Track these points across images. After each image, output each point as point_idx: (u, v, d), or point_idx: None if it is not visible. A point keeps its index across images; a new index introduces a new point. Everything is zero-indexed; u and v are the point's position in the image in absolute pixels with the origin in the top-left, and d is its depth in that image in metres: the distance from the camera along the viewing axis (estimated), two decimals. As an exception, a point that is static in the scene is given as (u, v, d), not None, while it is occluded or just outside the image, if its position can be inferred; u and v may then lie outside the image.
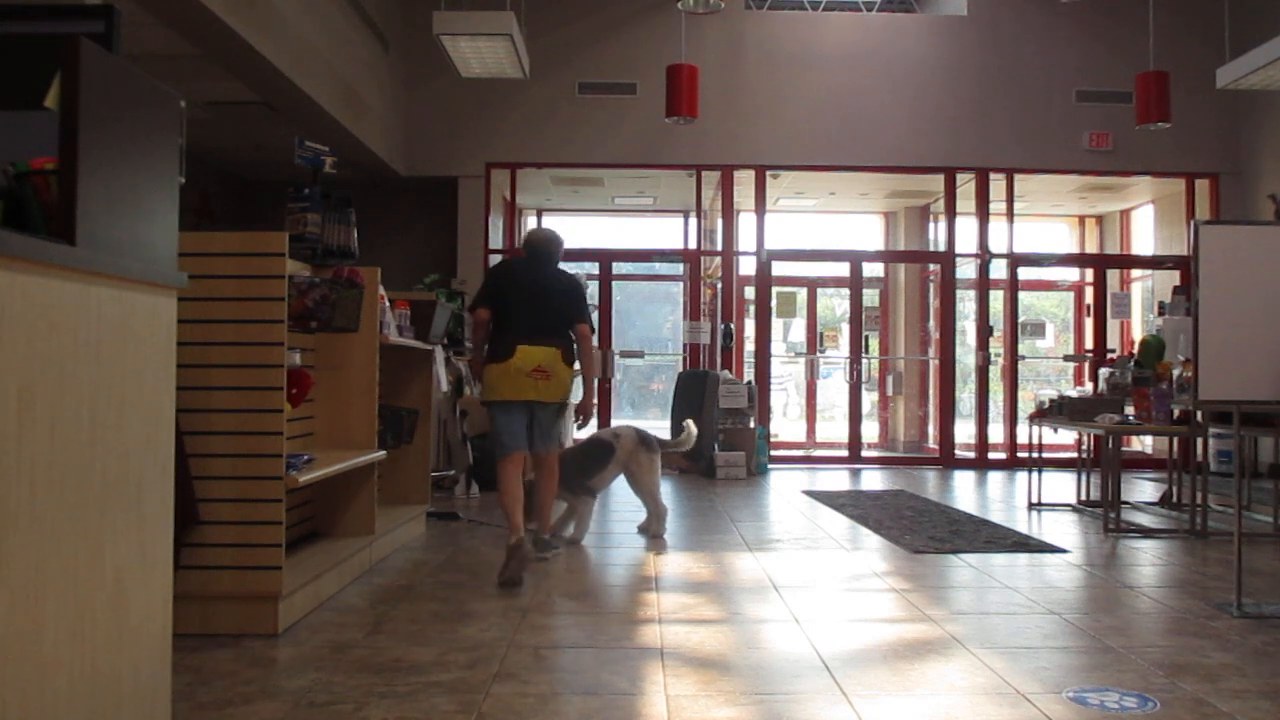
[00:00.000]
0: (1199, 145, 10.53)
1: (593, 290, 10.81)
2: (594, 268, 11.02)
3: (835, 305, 14.12)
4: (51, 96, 1.97)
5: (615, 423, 10.41)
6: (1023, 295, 11.35)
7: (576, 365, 5.13)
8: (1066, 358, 12.18)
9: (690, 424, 6.23)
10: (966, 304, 11.43)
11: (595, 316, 10.75)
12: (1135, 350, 8.33)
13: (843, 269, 11.67)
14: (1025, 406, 10.38)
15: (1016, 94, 10.55)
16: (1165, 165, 10.64)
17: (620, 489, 6.67)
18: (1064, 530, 6.34)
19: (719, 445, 9.50)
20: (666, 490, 8.03)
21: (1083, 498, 7.45)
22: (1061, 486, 8.19)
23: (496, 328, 4.95)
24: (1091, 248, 13.12)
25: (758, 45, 10.57)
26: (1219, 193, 10.63)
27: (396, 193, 11.06)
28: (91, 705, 2.01)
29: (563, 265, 5.35)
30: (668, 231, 13.74)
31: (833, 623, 3.90)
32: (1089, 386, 10.05)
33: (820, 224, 14.19)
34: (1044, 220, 13.51)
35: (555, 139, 10.47)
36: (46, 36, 2.25)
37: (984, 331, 10.72)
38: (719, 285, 10.89)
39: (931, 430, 11.67)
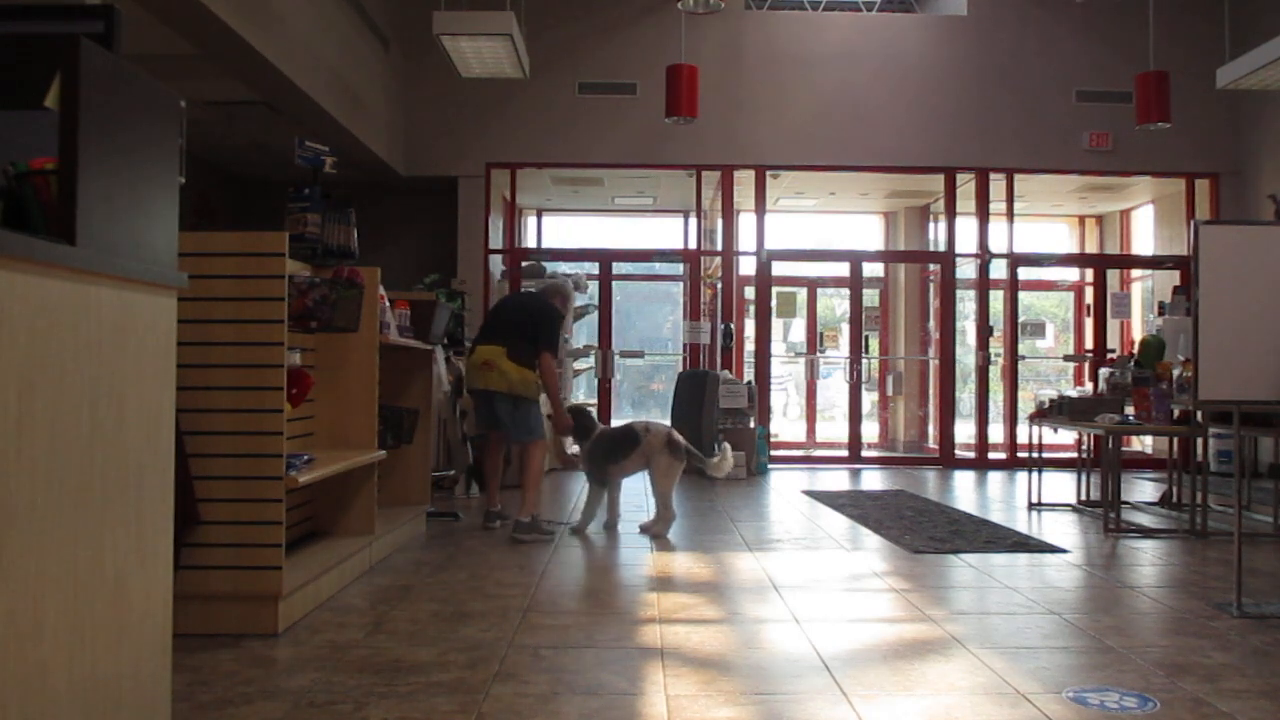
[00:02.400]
0: (1199, 145, 10.53)
1: (593, 290, 10.81)
2: (594, 268, 11.01)
3: (835, 305, 14.12)
4: (51, 96, 1.97)
5: (615, 423, 10.41)
6: (1023, 295, 11.34)
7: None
8: (1066, 358, 12.18)
9: (728, 448, 6.31)
10: (966, 304, 11.43)
11: (595, 317, 10.80)
12: (1135, 350, 8.32)
13: (843, 269, 11.66)
14: (1025, 406, 10.38)
15: (1016, 94, 10.55)
16: (1165, 165, 10.64)
17: (627, 489, 6.66)
18: (1064, 530, 6.34)
19: (719, 445, 9.49)
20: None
21: (1083, 498, 7.45)
22: (1061, 486, 8.19)
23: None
24: (1091, 248, 13.12)
25: (758, 45, 10.57)
26: (1219, 193, 10.63)
27: (396, 193, 11.06)
28: (91, 705, 2.01)
29: (559, 291, 6.48)
30: (668, 231, 13.75)
31: (833, 623, 3.90)
32: (1089, 386, 10.05)
33: (820, 224, 14.19)
34: (1044, 220, 13.51)
35: (555, 139, 10.47)
36: (46, 36, 2.24)
37: (984, 331, 10.72)
38: (719, 285, 10.89)
39: (931, 430, 11.67)
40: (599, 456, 6.01)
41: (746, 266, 11.00)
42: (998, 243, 10.80)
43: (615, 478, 6.12)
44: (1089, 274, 12.01)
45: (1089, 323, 11.51)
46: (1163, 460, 9.31)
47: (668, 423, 9.70)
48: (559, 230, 13.63)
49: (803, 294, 12.53)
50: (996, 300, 10.95)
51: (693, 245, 11.35)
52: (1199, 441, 6.78)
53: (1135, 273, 12.26)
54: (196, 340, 3.50)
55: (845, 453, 10.94)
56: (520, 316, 5.99)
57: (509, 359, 5.81)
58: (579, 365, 10.70)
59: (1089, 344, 11.39)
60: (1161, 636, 3.76)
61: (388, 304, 5.30)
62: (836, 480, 9.39)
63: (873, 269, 12.39)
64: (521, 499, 5.90)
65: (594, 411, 6.35)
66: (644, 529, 5.97)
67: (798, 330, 13.05)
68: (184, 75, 7.44)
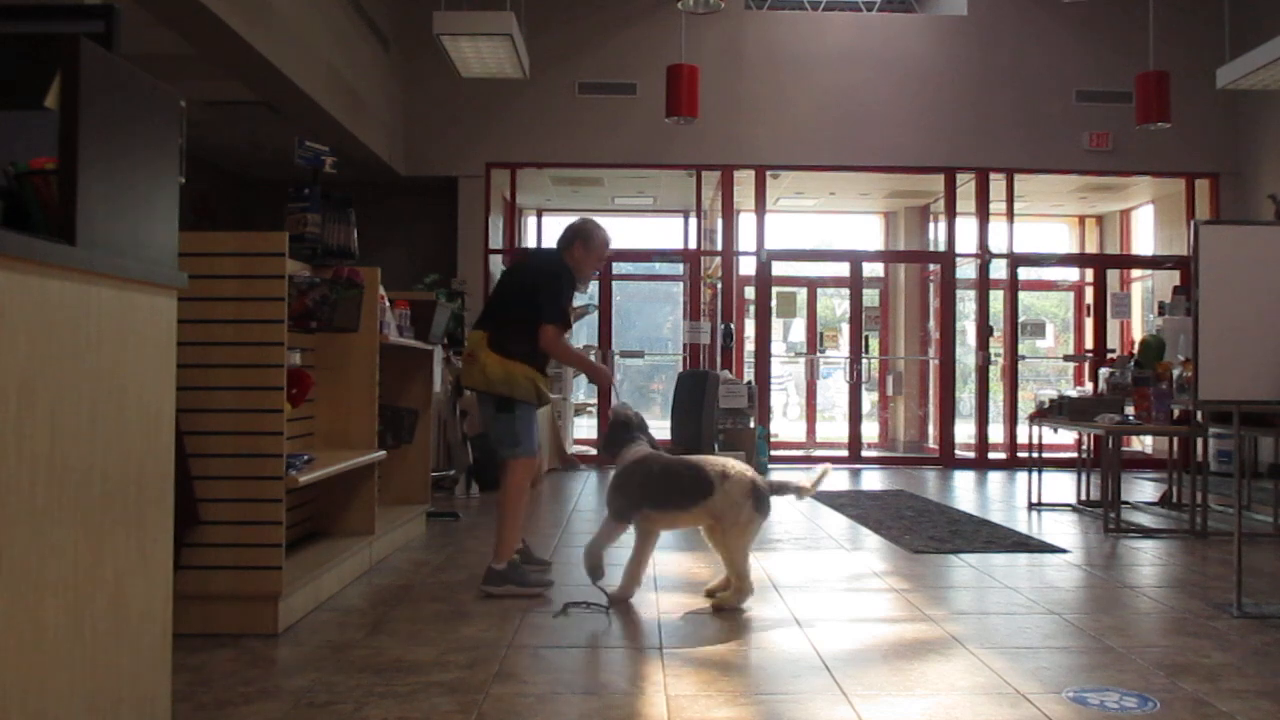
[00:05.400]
0: (1199, 145, 10.53)
1: (593, 290, 10.80)
2: (594, 268, 11.00)
3: (835, 305, 14.12)
4: (51, 96, 1.97)
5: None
6: (1023, 295, 11.34)
7: (552, 366, 4.89)
8: (1066, 358, 12.18)
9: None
10: (966, 304, 11.42)
11: (595, 317, 10.78)
12: (1135, 350, 8.32)
13: (843, 269, 11.66)
14: (1025, 406, 10.37)
15: (1016, 94, 10.55)
16: (1165, 165, 10.63)
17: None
18: (1064, 530, 6.34)
19: (719, 445, 9.49)
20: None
21: (1083, 498, 7.44)
22: (1061, 486, 8.19)
23: None
24: (1091, 248, 13.12)
25: (758, 45, 10.57)
26: (1219, 193, 10.63)
27: (396, 193, 11.06)
28: (91, 705, 2.01)
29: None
30: (668, 231, 13.74)
31: (833, 623, 3.89)
32: (1089, 386, 10.05)
33: (820, 224, 14.21)
34: (1044, 220, 13.51)
35: (555, 139, 10.46)
36: (46, 36, 2.25)
37: (984, 331, 10.71)
38: (719, 285, 10.88)
39: (931, 430, 11.67)
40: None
41: (746, 266, 11.00)
42: (998, 243, 10.80)
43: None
44: (1089, 274, 12.01)
45: (1089, 323, 11.51)
46: (1163, 460, 9.30)
47: (666, 423, 9.72)
48: (559, 230, 13.59)
49: (803, 294, 12.53)
50: (996, 300, 10.94)
51: (693, 245, 11.35)
52: (1199, 441, 6.78)
53: (1135, 273, 12.26)
54: (197, 340, 3.50)
55: (845, 453, 10.93)
56: (513, 288, 4.65)
57: (489, 347, 4.46)
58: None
59: (1089, 344, 11.39)
60: (1161, 636, 3.76)
61: (388, 304, 5.30)
62: (836, 480, 9.38)
63: (873, 269, 12.39)
64: (496, 537, 4.44)
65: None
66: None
67: (798, 330, 13.05)
68: (184, 75, 7.43)
